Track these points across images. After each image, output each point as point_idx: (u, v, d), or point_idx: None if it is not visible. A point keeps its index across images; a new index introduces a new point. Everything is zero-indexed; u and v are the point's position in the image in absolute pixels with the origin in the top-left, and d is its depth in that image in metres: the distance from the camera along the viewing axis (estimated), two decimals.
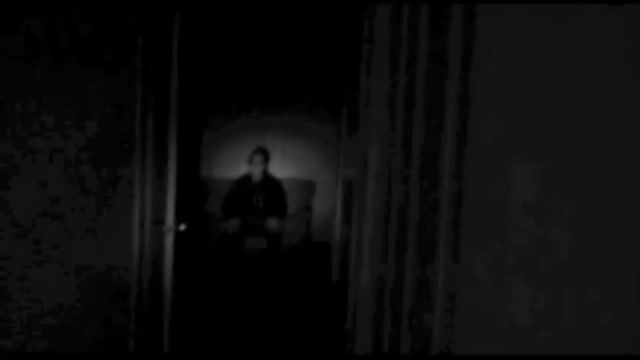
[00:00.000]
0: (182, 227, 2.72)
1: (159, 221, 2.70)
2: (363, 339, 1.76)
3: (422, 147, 1.44)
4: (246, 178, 5.75)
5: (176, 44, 2.69)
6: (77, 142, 2.31)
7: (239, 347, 3.58)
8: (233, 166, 6.41)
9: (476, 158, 1.16)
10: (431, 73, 1.54)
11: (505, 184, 1.13)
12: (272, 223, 5.48)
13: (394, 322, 1.56)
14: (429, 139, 1.48)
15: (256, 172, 5.66)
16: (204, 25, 6.03)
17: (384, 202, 1.95)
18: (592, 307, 0.79)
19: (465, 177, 1.18)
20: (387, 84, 2.01)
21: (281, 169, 6.37)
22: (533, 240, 0.98)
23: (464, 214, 1.22)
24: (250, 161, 5.69)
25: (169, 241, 2.71)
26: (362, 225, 2.13)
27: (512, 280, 1.14)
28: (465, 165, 1.15)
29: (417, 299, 1.40)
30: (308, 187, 6.30)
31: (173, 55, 2.68)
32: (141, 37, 2.56)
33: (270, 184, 5.73)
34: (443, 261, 1.28)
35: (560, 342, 0.89)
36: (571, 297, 0.84)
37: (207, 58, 6.38)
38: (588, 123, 0.79)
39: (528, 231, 1.00)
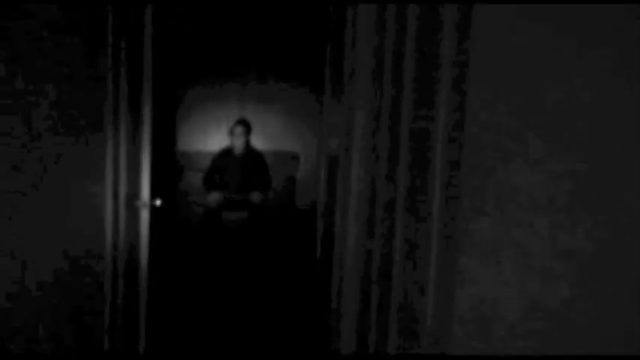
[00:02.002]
0: (158, 202, 2.59)
1: (133, 195, 2.56)
2: (348, 335, 1.67)
3: (412, 111, 1.32)
4: (228, 151, 5.59)
5: (150, 7, 2.51)
6: (46, 111, 2.15)
7: (219, 326, 3.49)
8: (213, 139, 6.25)
9: (473, 121, 1.04)
10: (422, 34, 1.41)
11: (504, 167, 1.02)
12: (255, 197, 5.36)
13: (381, 307, 1.46)
14: (419, 104, 1.36)
15: (238, 145, 5.50)
16: None
17: (370, 173, 1.84)
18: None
19: (461, 142, 1.06)
20: (373, 47, 1.87)
21: (263, 141, 6.23)
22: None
23: (460, 181, 1.11)
24: (231, 133, 5.52)
25: (144, 216, 2.58)
26: (346, 198, 2.02)
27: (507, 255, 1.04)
28: (463, 128, 1.04)
29: (406, 280, 1.30)
30: (292, 159, 6.17)
31: (146, 18, 2.51)
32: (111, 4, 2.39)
33: (253, 156, 5.58)
34: (436, 240, 1.17)
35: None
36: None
37: (186, 27, 6.15)
38: None
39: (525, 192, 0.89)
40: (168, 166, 5.92)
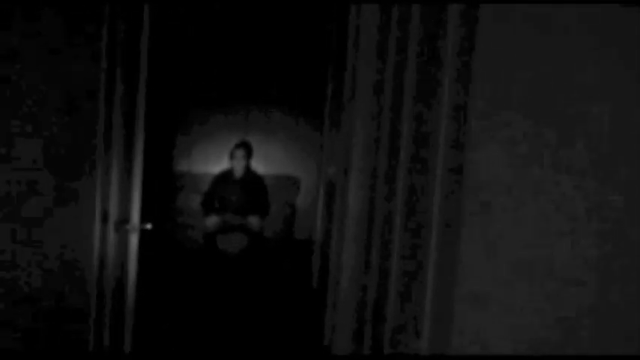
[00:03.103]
0: (148, 226, 2.50)
1: (123, 219, 2.47)
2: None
3: (411, 138, 1.24)
4: (228, 174, 5.51)
5: (147, 24, 2.46)
6: (35, 134, 2.09)
7: (208, 353, 3.36)
8: (214, 161, 6.17)
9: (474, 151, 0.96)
10: (423, 59, 1.34)
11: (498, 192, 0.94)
12: (253, 221, 5.25)
13: (374, 346, 1.36)
14: (419, 130, 1.28)
15: (238, 168, 5.42)
16: (186, 18, 5.80)
17: (367, 202, 1.75)
18: None
19: (462, 172, 0.98)
20: (373, 72, 1.81)
21: (264, 165, 6.14)
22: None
23: (462, 214, 1.02)
24: (232, 156, 5.44)
25: (134, 241, 2.48)
26: (343, 228, 1.93)
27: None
28: (464, 157, 0.95)
29: (401, 319, 1.20)
30: (292, 184, 6.08)
31: (143, 33, 2.45)
32: (106, 26, 2.33)
33: (253, 180, 5.49)
34: (433, 275, 1.08)
35: None
36: None
37: (189, 52, 6.14)
38: None
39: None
40: (165, 189, 5.84)
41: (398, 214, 1.37)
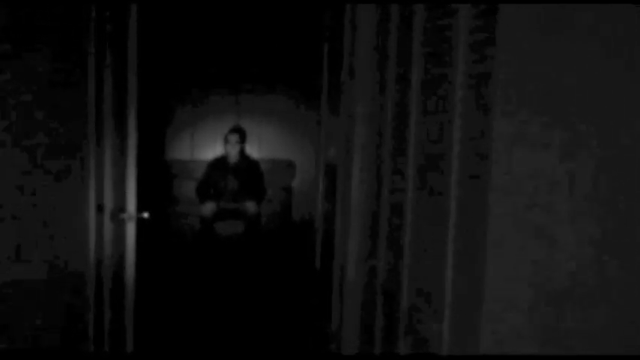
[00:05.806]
0: (145, 215, 2.42)
1: (119, 209, 2.39)
2: (349, 346, 1.50)
3: (421, 108, 1.17)
4: (222, 160, 5.44)
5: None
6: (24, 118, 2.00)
7: (211, 346, 3.31)
8: (208, 147, 6.06)
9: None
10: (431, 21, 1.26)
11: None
12: (250, 207, 5.19)
13: (388, 332, 1.30)
14: (428, 97, 1.21)
15: (232, 153, 5.35)
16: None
17: (372, 185, 1.68)
18: None
19: (482, 153, 0.91)
20: (374, 39, 1.73)
21: (259, 149, 6.05)
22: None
23: (478, 192, 0.95)
24: (226, 141, 5.37)
25: (131, 230, 2.41)
26: (346, 211, 1.86)
27: None
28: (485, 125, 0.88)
29: (416, 303, 1.14)
30: (288, 168, 6.00)
31: (131, 21, 2.35)
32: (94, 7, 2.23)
33: (248, 165, 5.42)
34: (452, 257, 1.02)
35: None
36: None
37: (180, 36, 6.01)
38: None
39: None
40: (160, 176, 5.76)
41: (409, 194, 1.31)
